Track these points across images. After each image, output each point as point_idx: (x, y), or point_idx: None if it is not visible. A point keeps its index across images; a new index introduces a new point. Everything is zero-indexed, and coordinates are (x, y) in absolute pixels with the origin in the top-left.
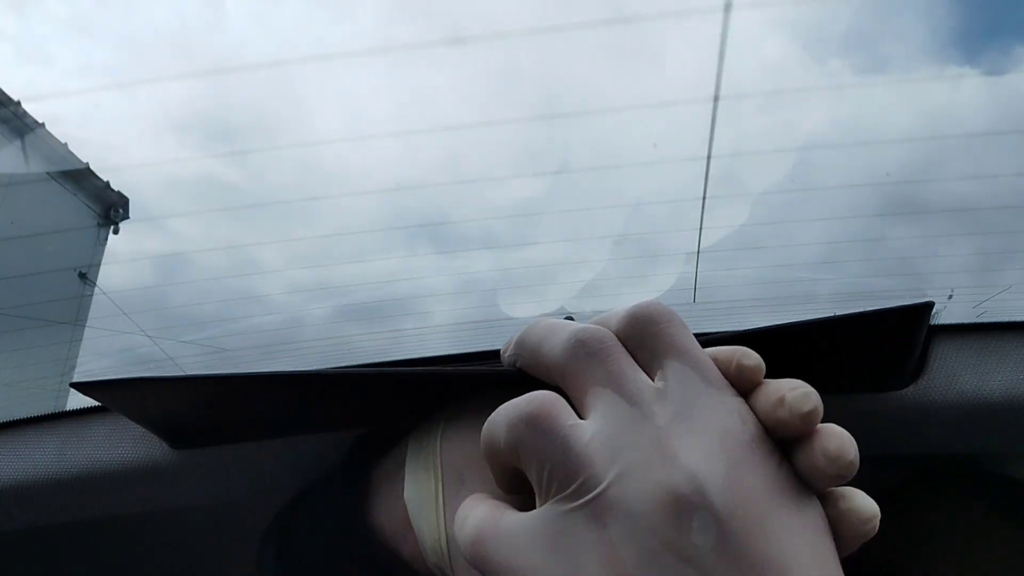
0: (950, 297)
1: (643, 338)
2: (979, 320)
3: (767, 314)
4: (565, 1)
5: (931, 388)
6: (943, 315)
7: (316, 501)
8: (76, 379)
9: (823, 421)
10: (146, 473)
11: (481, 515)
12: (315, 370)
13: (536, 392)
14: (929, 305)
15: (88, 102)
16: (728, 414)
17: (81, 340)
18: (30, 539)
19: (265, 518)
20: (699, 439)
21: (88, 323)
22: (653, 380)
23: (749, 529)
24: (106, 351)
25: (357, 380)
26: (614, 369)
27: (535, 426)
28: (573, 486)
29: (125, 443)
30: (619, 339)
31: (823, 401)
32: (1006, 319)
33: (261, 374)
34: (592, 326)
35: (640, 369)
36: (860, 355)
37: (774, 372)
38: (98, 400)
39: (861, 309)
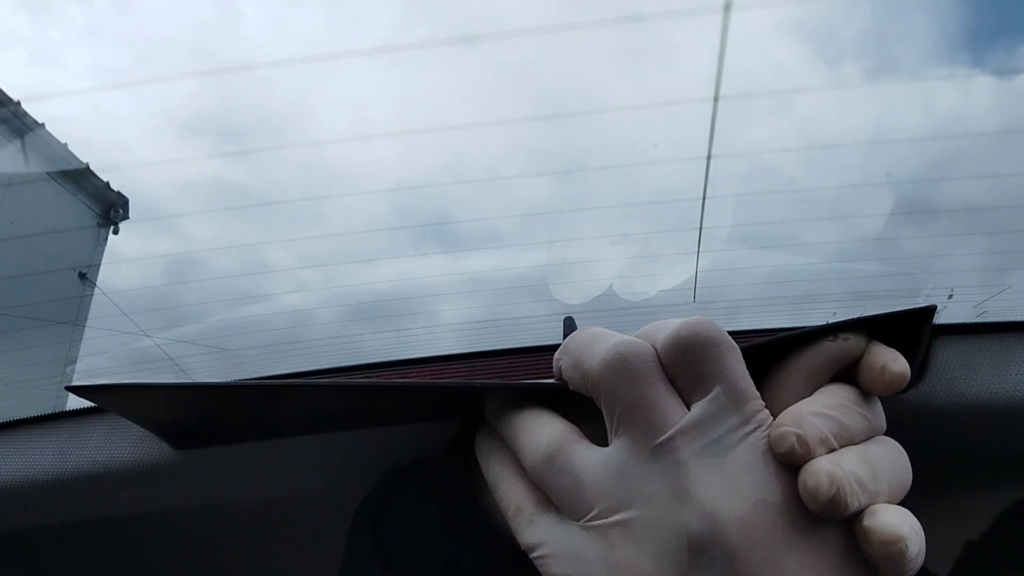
0: (950, 297)
1: (686, 362)
2: (979, 320)
3: (767, 314)
4: (565, 1)
5: (931, 389)
6: (943, 315)
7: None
8: (76, 380)
9: None
10: (146, 473)
11: (531, 511)
12: (319, 381)
13: (556, 428)
14: (931, 309)
15: (88, 102)
16: (756, 450)
17: (81, 340)
18: (30, 539)
19: (265, 518)
20: (721, 476)
21: (88, 323)
22: (690, 406)
23: (759, 572)
24: (106, 351)
25: (366, 392)
26: (647, 392)
27: (551, 463)
28: (588, 516)
29: (125, 443)
30: (661, 357)
31: None
32: (1007, 319)
33: (261, 385)
34: (635, 341)
35: (675, 394)
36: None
37: (774, 375)
38: (95, 402)
39: (862, 310)
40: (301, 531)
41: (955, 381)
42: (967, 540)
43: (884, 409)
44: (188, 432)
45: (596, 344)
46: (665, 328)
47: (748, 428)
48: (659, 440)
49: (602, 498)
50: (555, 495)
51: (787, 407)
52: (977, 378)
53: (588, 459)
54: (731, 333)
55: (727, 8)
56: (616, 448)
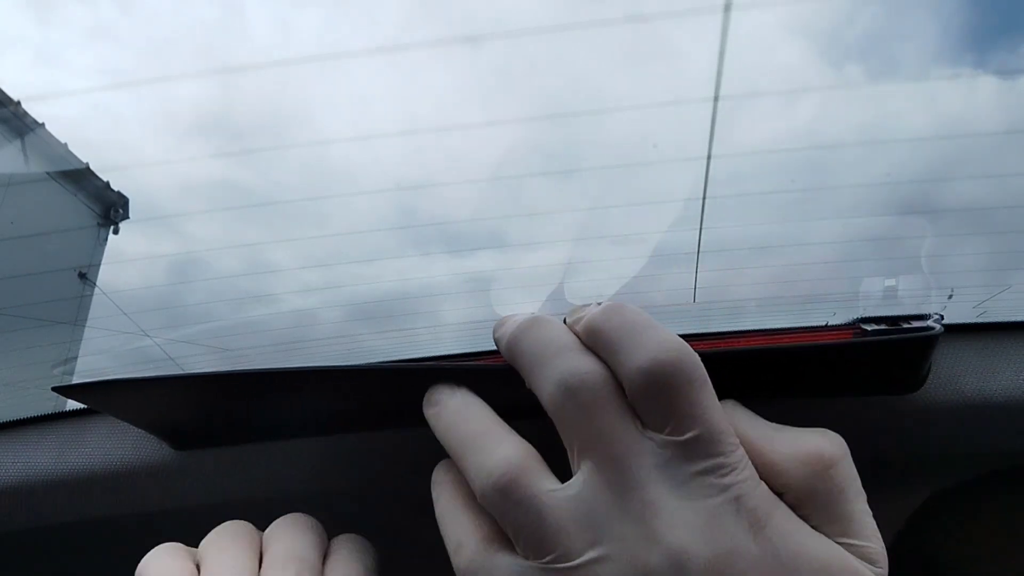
0: (950, 297)
1: (658, 397)
2: (980, 320)
3: (767, 315)
4: (566, 1)
5: (932, 389)
6: (944, 315)
7: None
8: (76, 380)
9: (826, 424)
10: (146, 473)
11: (473, 548)
12: (299, 367)
13: (511, 449)
14: (936, 336)
15: (88, 102)
16: (730, 495)
17: (81, 340)
18: (30, 539)
19: (266, 518)
20: (690, 515)
21: (88, 323)
22: (659, 440)
23: None
24: (106, 351)
25: (354, 375)
26: (604, 428)
27: (507, 494)
28: (548, 557)
29: (125, 443)
30: (624, 381)
31: (824, 404)
32: (1007, 319)
33: (248, 371)
34: (587, 367)
35: (637, 426)
36: (864, 371)
37: (775, 379)
38: (84, 403)
39: (862, 310)
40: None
41: (955, 381)
42: (968, 538)
43: (884, 409)
44: (187, 432)
45: (544, 366)
46: (633, 345)
47: (723, 471)
48: (625, 476)
49: (566, 539)
50: (511, 529)
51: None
52: (977, 378)
53: (550, 495)
54: (731, 333)
55: (727, 8)
56: (581, 484)
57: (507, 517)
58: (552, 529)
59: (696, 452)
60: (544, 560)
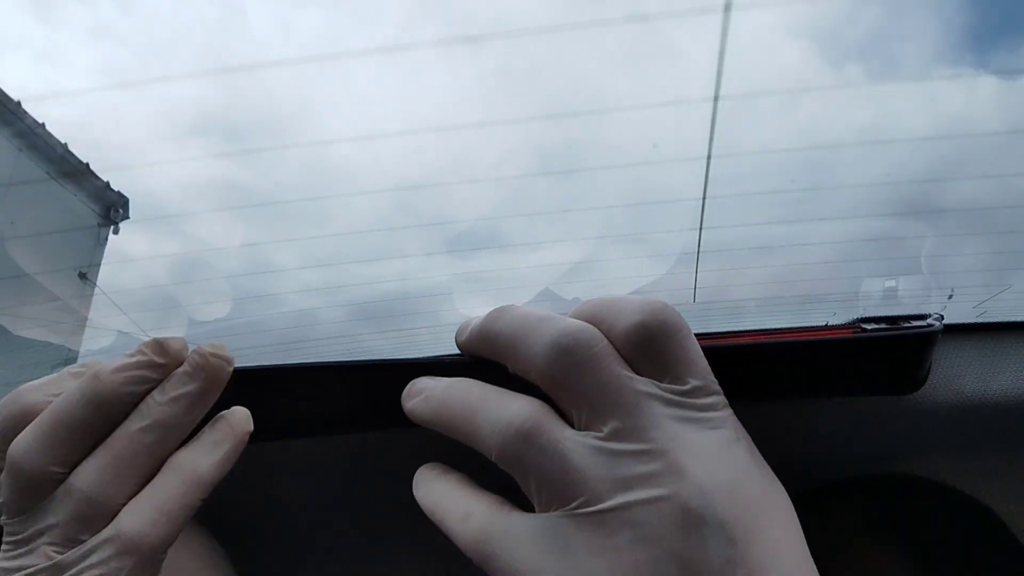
0: (950, 297)
1: (651, 350)
2: (980, 320)
3: (767, 315)
4: (566, 1)
5: (931, 389)
6: (944, 315)
7: None
8: None
9: (826, 423)
10: None
11: (484, 512)
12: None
13: (525, 402)
14: (936, 332)
15: (88, 102)
16: (727, 427)
17: (81, 340)
18: None
19: (266, 518)
20: (706, 447)
21: (88, 323)
22: (659, 387)
23: (750, 539)
24: (106, 351)
25: (341, 371)
26: (608, 379)
27: (530, 440)
28: (574, 503)
29: None
30: (616, 342)
31: (824, 404)
32: (1007, 319)
33: (240, 368)
34: (576, 326)
35: (635, 374)
36: (864, 371)
37: (775, 378)
38: None
39: (862, 310)
40: (303, 531)
41: (955, 381)
42: (969, 538)
43: (884, 409)
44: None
45: (531, 336)
46: (617, 310)
47: (719, 407)
48: (644, 422)
49: (594, 482)
50: (533, 479)
51: None
52: (977, 378)
53: (573, 439)
54: (731, 333)
55: (727, 8)
56: (591, 433)
57: (530, 466)
58: (579, 473)
59: (697, 393)
60: (570, 506)
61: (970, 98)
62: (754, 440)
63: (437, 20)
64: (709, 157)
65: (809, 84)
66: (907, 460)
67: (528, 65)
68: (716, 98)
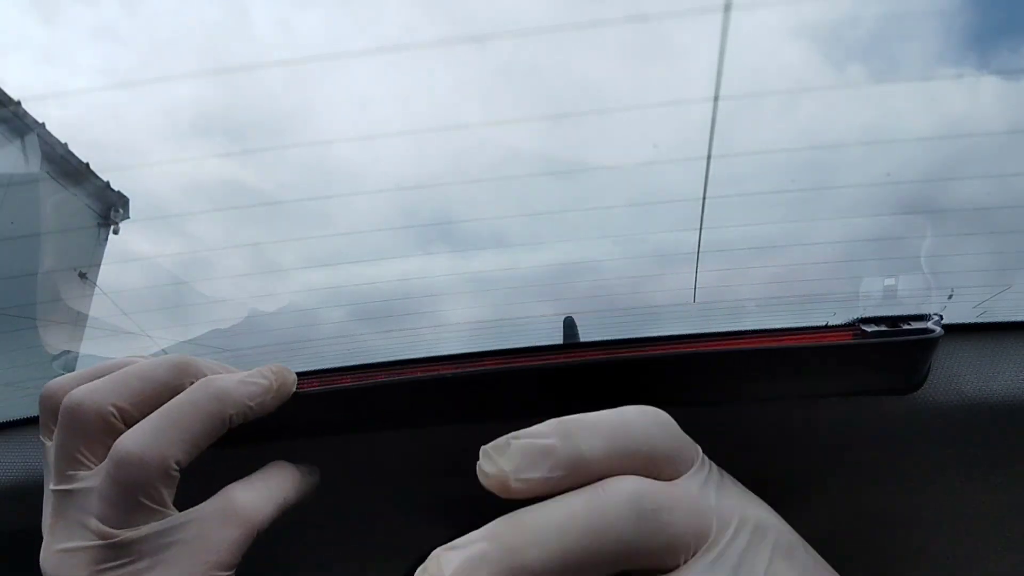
0: (950, 297)
1: (663, 454)
2: (980, 320)
3: (767, 315)
4: (567, 1)
5: (931, 389)
6: (944, 315)
7: None
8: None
9: (826, 423)
10: None
11: None
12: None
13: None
14: (936, 339)
15: (89, 102)
16: (723, 473)
17: (81, 340)
18: (30, 539)
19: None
20: (738, 494)
21: (88, 323)
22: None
23: None
24: (107, 351)
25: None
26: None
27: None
28: None
29: None
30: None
31: (824, 405)
32: (1007, 319)
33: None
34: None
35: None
36: (864, 372)
37: (776, 380)
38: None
39: (862, 310)
40: (303, 531)
41: (955, 381)
42: (970, 537)
43: (885, 409)
44: None
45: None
46: (620, 434)
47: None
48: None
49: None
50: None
51: None
52: (977, 378)
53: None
54: (731, 333)
55: (727, 8)
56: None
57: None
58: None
59: (707, 466)
60: None
61: (971, 98)
62: (754, 442)
63: (437, 20)
64: (709, 157)
65: (810, 84)
66: (907, 460)
67: (528, 65)
68: (716, 98)
